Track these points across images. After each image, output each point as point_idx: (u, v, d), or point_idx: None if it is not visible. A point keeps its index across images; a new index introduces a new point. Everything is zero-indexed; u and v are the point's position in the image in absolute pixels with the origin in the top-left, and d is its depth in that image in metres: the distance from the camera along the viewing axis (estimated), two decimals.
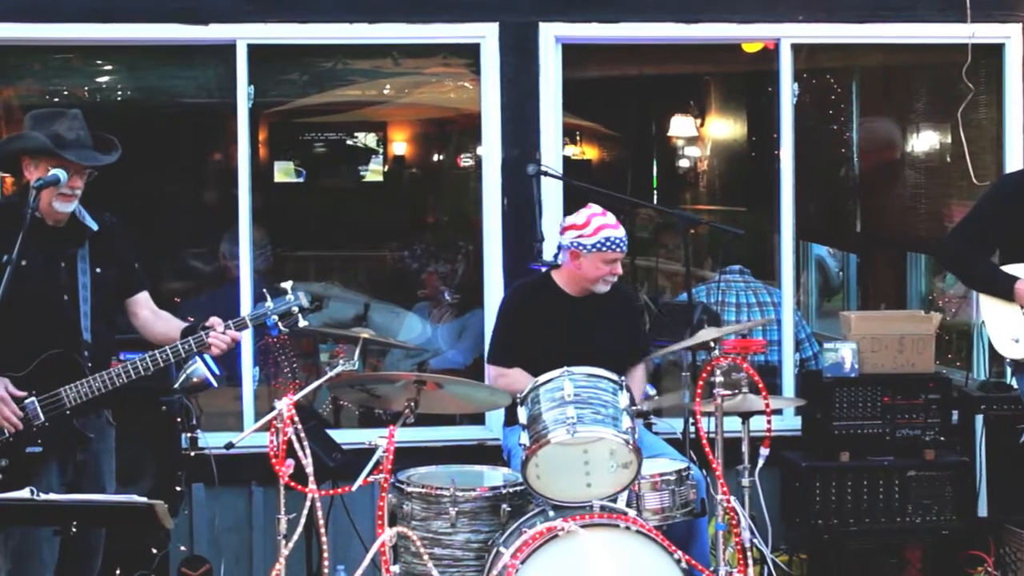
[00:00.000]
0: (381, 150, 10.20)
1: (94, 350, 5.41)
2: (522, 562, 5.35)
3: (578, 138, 11.44)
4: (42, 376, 5.31)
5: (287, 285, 5.51)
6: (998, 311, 6.44)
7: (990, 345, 6.61)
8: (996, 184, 6.95)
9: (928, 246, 8.85)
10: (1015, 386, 6.77)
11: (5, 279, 5.08)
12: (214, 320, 5.48)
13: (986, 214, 6.59)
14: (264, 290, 5.54)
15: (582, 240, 6.34)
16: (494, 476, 6.18)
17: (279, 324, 5.49)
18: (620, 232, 6.37)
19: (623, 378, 5.87)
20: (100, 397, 5.36)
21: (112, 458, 5.61)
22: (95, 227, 5.49)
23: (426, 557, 5.39)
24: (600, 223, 6.35)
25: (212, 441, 6.70)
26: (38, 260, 5.32)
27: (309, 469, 5.16)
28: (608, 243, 6.32)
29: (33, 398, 5.30)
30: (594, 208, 6.42)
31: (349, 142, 10.10)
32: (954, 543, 7.06)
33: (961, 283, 7.50)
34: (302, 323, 5.52)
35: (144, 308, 5.67)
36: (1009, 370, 6.89)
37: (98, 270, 5.47)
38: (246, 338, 7.20)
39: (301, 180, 9.59)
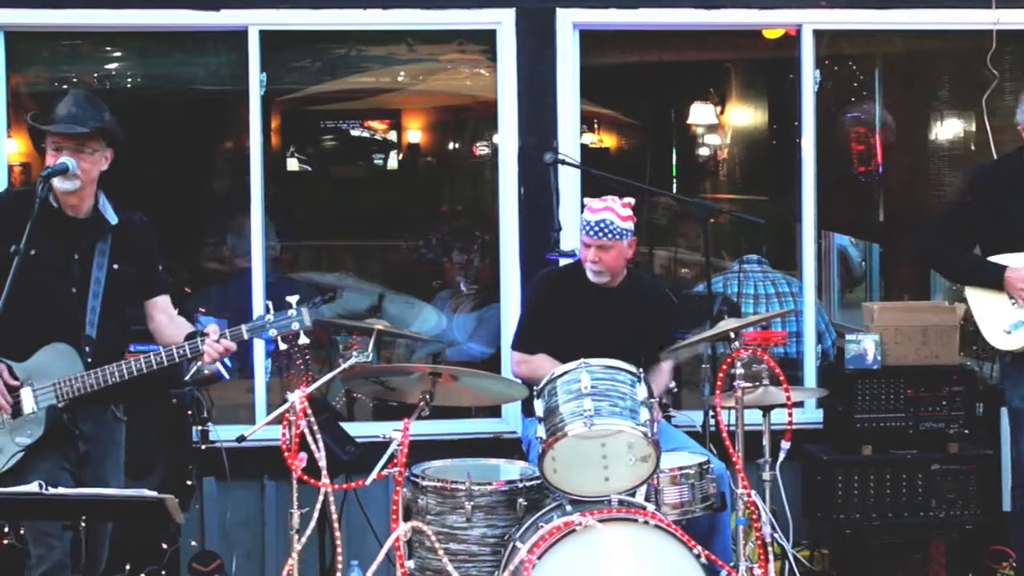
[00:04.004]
0: (396, 138, 10.18)
1: (98, 346, 5.31)
2: (539, 557, 5.29)
3: (596, 126, 11.40)
4: (41, 367, 5.24)
5: (293, 300, 5.37)
6: (987, 303, 6.31)
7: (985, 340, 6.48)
8: (965, 177, 6.87)
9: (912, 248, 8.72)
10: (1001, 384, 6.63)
11: (13, 268, 5.02)
12: (211, 327, 5.36)
13: (961, 208, 6.48)
14: (268, 302, 5.42)
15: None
16: (510, 470, 6.13)
17: (277, 339, 5.35)
18: (596, 216, 6.24)
19: (641, 370, 5.78)
20: (100, 392, 5.27)
21: (118, 453, 5.53)
22: (114, 220, 5.40)
23: (441, 552, 5.36)
24: (587, 205, 6.35)
25: (224, 434, 6.67)
26: (48, 250, 5.24)
27: (322, 463, 5.14)
28: (583, 225, 6.31)
29: (28, 387, 5.23)
30: (607, 198, 6.35)
31: (363, 130, 10.07)
32: (978, 538, 6.99)
33: (946, 280, 7.40)
34: (302, 340, 5.42)
35: (161, 312, 5.55)
36: (997, 367, 6.75)
37: (116, 266, 5.38)
38: None
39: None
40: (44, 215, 5.18)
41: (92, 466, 5.37)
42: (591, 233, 6.27)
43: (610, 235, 6.25)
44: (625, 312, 6.41)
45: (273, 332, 5.33)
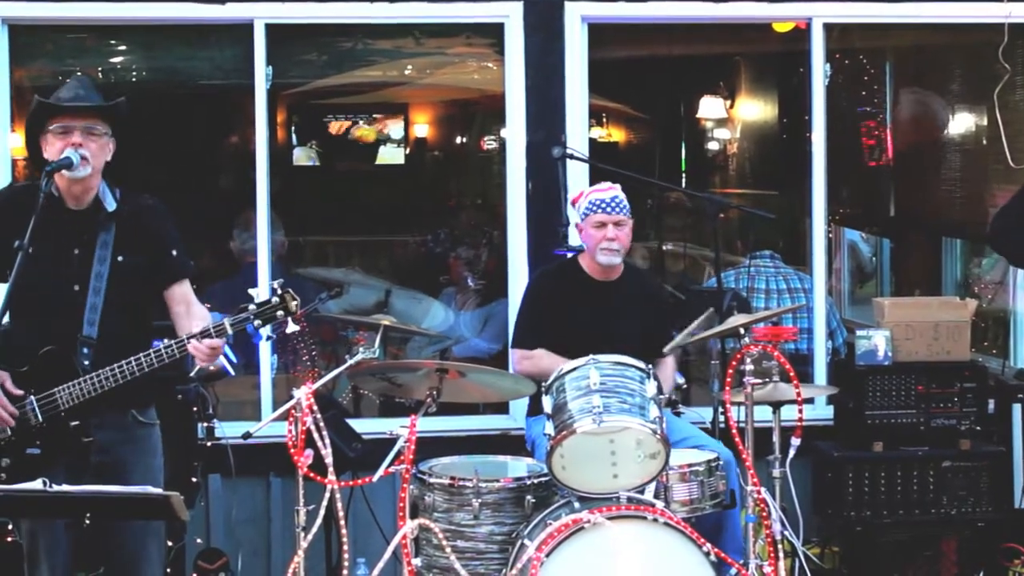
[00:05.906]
0: (403, 133, 10.15)
1: (100, 347, 5.08)
2: (547, 555, 5.25)
3: (605, 120, 11.37)
4: (41, 374, 5.06)
5: (276, 284, 5.11)
6: None
7: None
8: None
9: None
10: None
11: (16, 266, 4.85)
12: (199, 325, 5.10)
13: None
14: (250, 291, 5.16)
15: (578, 211, 6.42)
16: (518, 467, 6.10)
17: (261, 329, 5.05)
18: (609, 194, 6.37)
19: (650, 366, 5.74)
20: (110, 397, 5.07)
21: (148, 460, 5.29)
22: (111, 207, 5.17)
23: (448, 550, 5.33)
24: (590, 191, 6.44)
25: (229, 431, 6.62)
26: (47, 247, 5.02)
27: (328, 459, 5.09)
28: (593, 206, 6.34)
29: (32, 397, 5.06)
30: (600, 184, 6.45)
31: (369, 124, 10.05)
32: (990, 535, 6.94)
33: (1013, 266, 7.40)
34: (291, 328, 5.13)
35: (178, 304, 5.27)
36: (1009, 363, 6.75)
37: (120, 258, 5.14)
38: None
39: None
40: (43, 209, 4.95)
41: (111, 476, 5.07)
42: (608, 210, 6.31)
43: (624, 211, 6.36)
44: (621, 304, 6.40)
45: (258, 323, 5.04)
